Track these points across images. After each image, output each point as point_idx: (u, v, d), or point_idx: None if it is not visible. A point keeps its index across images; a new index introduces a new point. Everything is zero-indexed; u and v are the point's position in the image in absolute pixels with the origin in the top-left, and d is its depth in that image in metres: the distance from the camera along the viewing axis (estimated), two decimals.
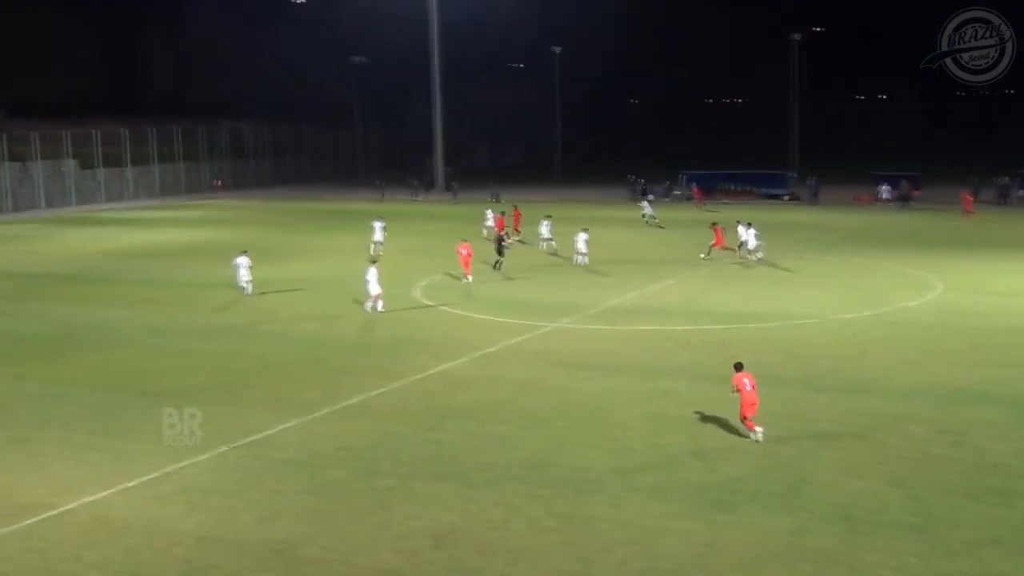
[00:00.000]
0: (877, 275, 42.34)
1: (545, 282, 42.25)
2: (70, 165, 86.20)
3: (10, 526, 17.85)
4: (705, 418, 22.77)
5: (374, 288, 35.65)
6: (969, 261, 45.38)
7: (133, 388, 26.80)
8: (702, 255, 46.66)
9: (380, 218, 52.35)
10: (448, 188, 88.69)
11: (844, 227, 60.01)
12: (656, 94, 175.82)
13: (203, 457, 21.10)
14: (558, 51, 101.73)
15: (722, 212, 61.87)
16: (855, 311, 34.68)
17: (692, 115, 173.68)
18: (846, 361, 28.08)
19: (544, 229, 50.83)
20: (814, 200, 72.71)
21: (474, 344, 30.68)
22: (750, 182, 79.32)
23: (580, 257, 45.33)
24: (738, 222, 48.23)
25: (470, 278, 41.35)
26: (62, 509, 18.55)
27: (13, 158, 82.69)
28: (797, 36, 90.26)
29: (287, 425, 23.19)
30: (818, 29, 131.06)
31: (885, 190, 71.01)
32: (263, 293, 39.93)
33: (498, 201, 69.34)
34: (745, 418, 21.45)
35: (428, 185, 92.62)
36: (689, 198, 74.80)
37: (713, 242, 46.64)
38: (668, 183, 79.98)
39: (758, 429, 21.36)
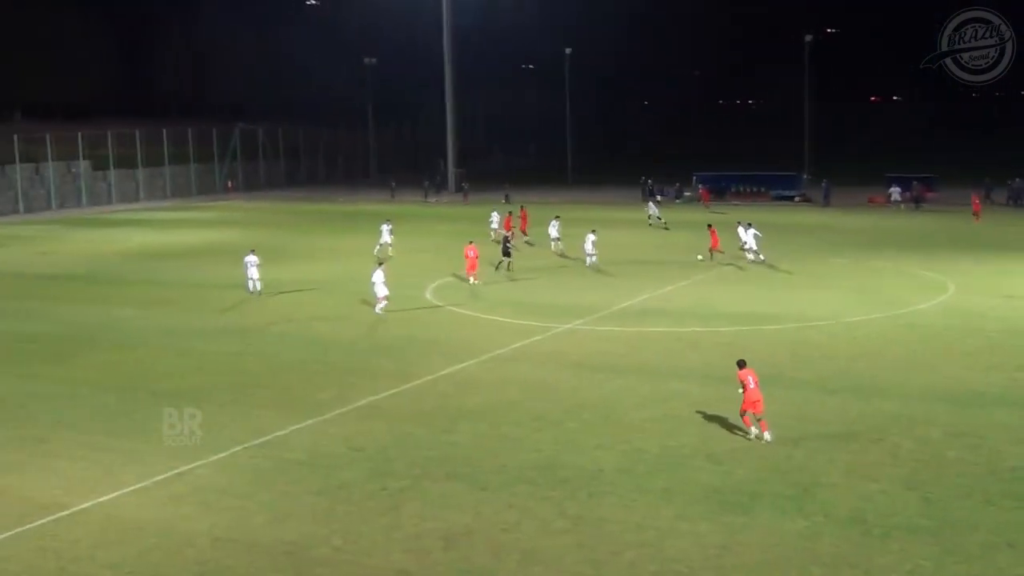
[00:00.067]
0: (889, 277, 42.19)
1: (555, 284, 42.22)
2: (82, 166, 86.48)
3: (24, 526, 17.90)
4: (717, 420, 22.71)
5: (381, 290, 35.68)
6: (982, 263, 45.16)
7: (145, 388, 26.87)
8: (699, 257, 46.56)
9: (388, 221, 52.48)
10: (459, 189, 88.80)
11: (856, 229, 59.83)
12: (668, 95, 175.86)
13: (215, 458, 21.14)
14: (569, 52, 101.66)
15: (730, 214, 61.64)
16: (867, 313, 34.55)
17: (704, 116, 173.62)
18: (859, 363, 27.98)
19: (553, 230, 50.82)
20: (826, 202, 72.51)
21: (485, 346, 30.67)
22: (762, 183, 79.19)
23: (589, 258, 45.30)
24: (738, 223, 48.14)
25: (472, 280, 41.34)
26: (75, 509, 18.60)
27: (26, 159, 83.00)
28: (809, 37, 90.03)
29: (299, 426, 23.21)
30: (831, 30, 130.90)
31: (896, 192, 70.81)
32: (279, 293, 40.09)
33: (508, 202, 69.29)
34: (744, 414, 21.54)
35: (439, 186, 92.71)
36: (700, 200, 74.67)
37: (710, 244, 46.55)
38: (679, 184, 79.87)
39: (754, 430, 21.48)
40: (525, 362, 28.89)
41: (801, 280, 41.92)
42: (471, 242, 42.59)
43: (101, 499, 19.05)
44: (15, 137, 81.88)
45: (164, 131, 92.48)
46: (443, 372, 27.80)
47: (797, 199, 75.87)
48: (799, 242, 53.17)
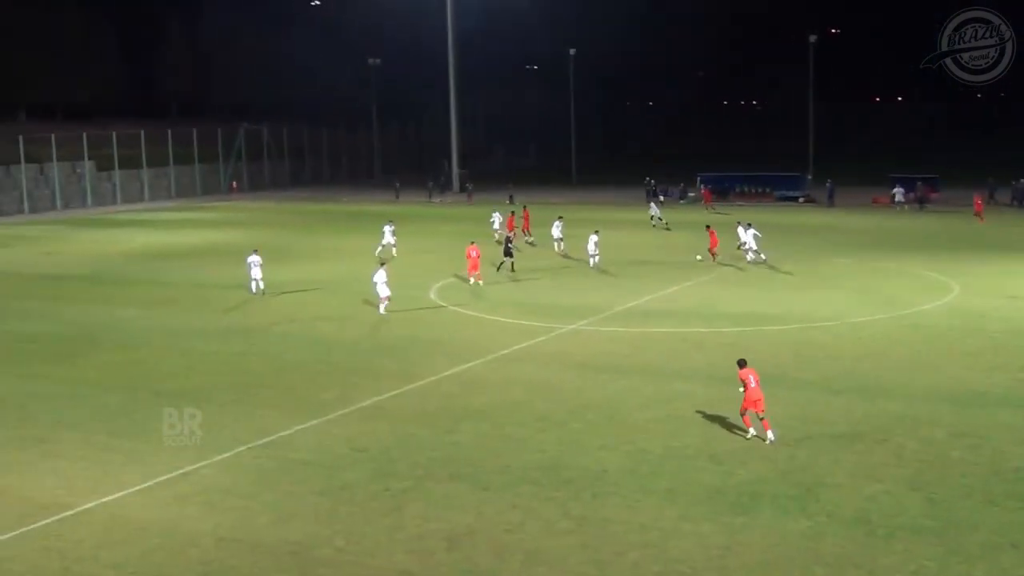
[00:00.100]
0: (894, 278, 42.15)
1: (559, 284, 42.23)
2: (87, 167, 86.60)
3: (28, 526, 17.93)
4: (721, 421, 22.70)
5: (383, 290, 35.72)
6: (986, 264, 45.12)
7: (149, 388, 26.89)
8: (698, 257, 46.58)
9: (390, 222, 52.57)
10: (463, 190, 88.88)
11: (860, 229, 59.78)
12: (670, 96, 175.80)
13: (219, 458, 21.16)
14: (572, 53, 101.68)
15: (731, 215, 61.55)
16: (872, 314, 34.53)
17: (706, 117, 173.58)
18: (863, 364, 27.96)
19: (556, 230, 50.82)
20: (830, 202, 72.45)
21: (489, 346, 30.68)
22: (766, 184, 79.15)
23: (592, 259, 45.34)
24: (738, 223, 48.14)
25: (472, 280, 41.37)
26: (79, 509, 18.62)
27: (31, 160, 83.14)
28: (814, 37, 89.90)
29: (303, 426, 23.23)
30: (835, 30, 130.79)
31: (899, 192, 70.76)
32: (282, 293, 40.16)
33: (512, 202, 69.36)
34: (744, 413, 21.60)
35: (443, 187, 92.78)
36: (702, 200, 74.58)
37: (709, 245, 46.57)
38: (683, 185, 79.84)
39: (752, 430, 21.54)
40: (529, 363, 28.89)
41: (805, 281, 41.89)
42: (473, 242, 42.62)
43: (104, 499, 19.07)
44: (20, 137, 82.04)
45: (168, 132, 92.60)
46: (447, 372, 27.81)
47: (801, 200, 75.84)
48: (803, 243, 53.16)
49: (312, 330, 34.12)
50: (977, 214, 60.99)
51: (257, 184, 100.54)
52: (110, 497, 19.16)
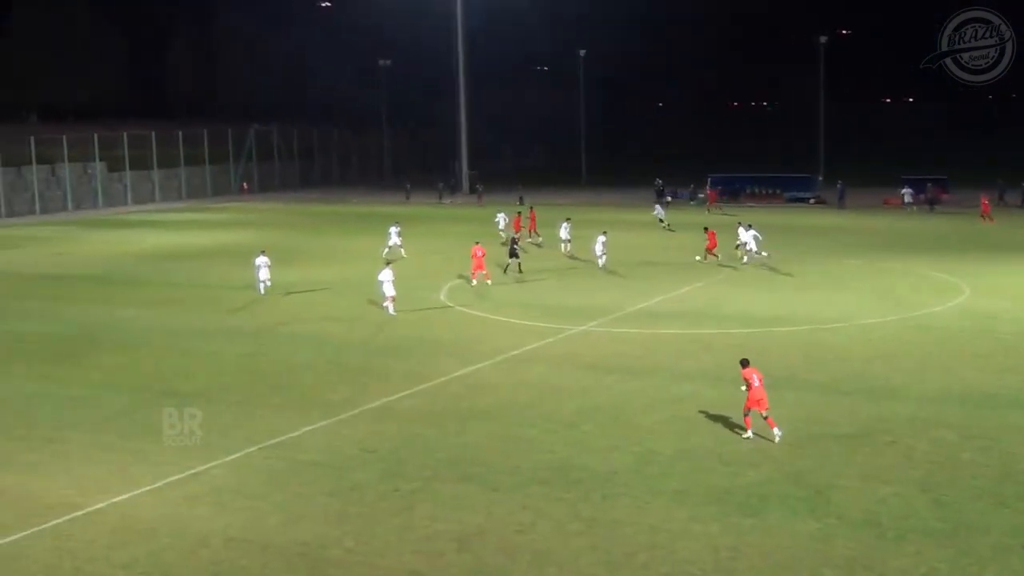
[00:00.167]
0: (903, 279, 42.05)
1: (568, 285, 42.21)
2: (98, 168, 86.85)
3: (38, 526, 17.99)
4: (730, 422, 22.66)
5: (388, 289, 35.78)
6: (996, 265, 45.00)
7: (158, 389, 26.95)
8: (697, 258, 46.59)
9: (396, 223, 52.63)
10: (473, 191, 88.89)
11: (870, 231, 59.66)
12: (675, 96, 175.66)
13: (229, 458, 21.20)
14: (582, 54, 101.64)
15: (734, 216, 61.34)
16: (882, 315, 34.46)
17: (708, 117, 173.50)
18: (873, 365, 27.90)
19: (563, 231, 50.82)
20: (840, 203, 72.28)
21: (498, 347, 30.68)
22: (776, 185, 79.02)
23: (599, 259, 45.38)
24: (738, 223, 48.12)
25: (475, 281, 41.42)
26: (89, 509, 18.68)
27: (42, 161, 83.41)
28: (824, 38, 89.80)
29: (312, 427, 23.27)
30: (844, 31, 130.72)
31: (907, 193, 70.59)
32: (289, 294, 40.20)
33: (522, 203, 69.38)
34: (747, 413, 21.62)
35: (453, 188, 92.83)
36: (726, 201, 74.48)
37: (708, 246, 46.59)
38: (692, 186, 79.72)
39: (750, 432, 21.58)
40: (538, 364, 28.89)
41: (815, 282, 41.82)
42: (478, 242, 42.68)
43: (114, 499, 19.12)
44: (31, 139, 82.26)
45: (179, 133, 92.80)
46: (456, 373, 27.83)
47: (812, 201, 75.71)
48: (813, 244, 53.09)
49: (321, 331, 34.17)
50: (984, 215, 60.81)
51: (267, 185, 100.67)
52: (120, 497, 19.21)
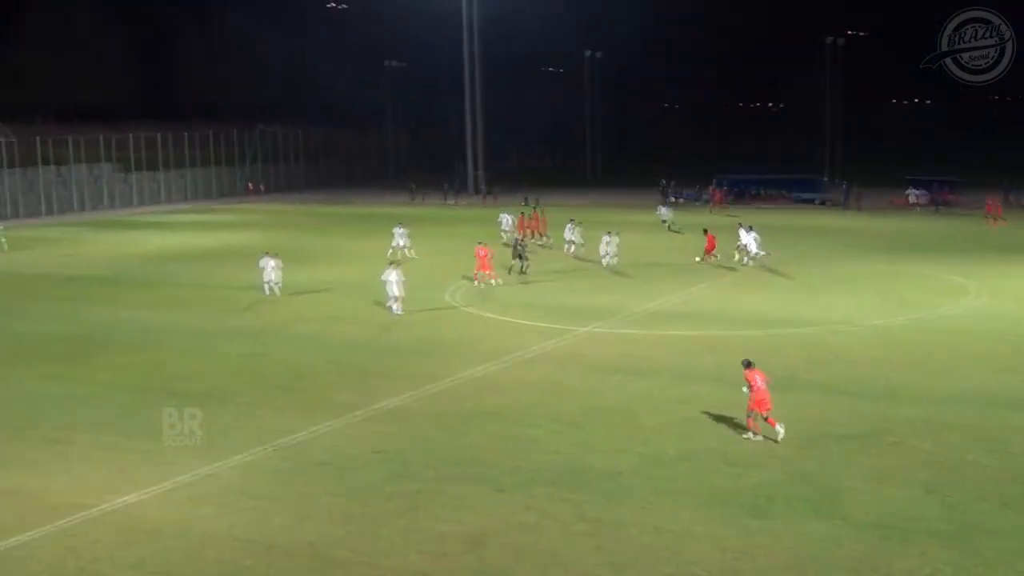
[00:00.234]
0: (911, 280, 41.98)
1: (574, 286, 42.19)
2: (106, 169, 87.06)
3: (44, 527, 18.02)
4: (736, 423, 22.62)
5: (393, 289, 35.83)
6: (1005, 266, 44.89)
7: (165, 389, 26.97)
8: (697, 259, 46.59)
9: (401, 224, 52.65)
10: (479, 191, 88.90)
11: (877, 232, 59.57)
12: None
13: (235, 459, 21.23)
14: (590, 54, 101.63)
15: (737, 217, 61.32)
16: (889, 317, 34.39)
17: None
18: (879, 367, 27.84)
19: (569, 233, 50.84)
20: (847, 204, 72.20)
21: (504, 348, 30.69)
22: (783, 186, 78.97)
23: (605, 259, 45.42)
24: (739, 225, 48.09)
25: (478, 282, 41.45)
26: (95, 510, 18.70)
27: (50, 162, 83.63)
28: (832, 39, 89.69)
29: (318, 428, 23.29)
30: (853, 33, 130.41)
31: (914, 194, 70.43)
32: (295, 294, 40.25)
33: (527, 204, 69.41)
34: (750, 414, 21.59)
35: (459, 188, 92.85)
36: (730, 201, 74.41)
37: (706, 247, 46.58)
38: (699, 187, 79.70)
39: (751, 434, 21.56)
40: (544, 365, 28.89)
41: (821, 283, 41.76)
42: (481, 242, 42.70)
43: (120, 500, 19.14)
44: (39, 140, 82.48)
45: (185, 134, 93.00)
46: (462, 374, 27.83)
47: (819, 202, 75.66)
48: (820, 245, 53.04)
49: (327, 331, 34.21)
50: (989, 215, 60.65)
51: (274, 186, 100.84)
52: (126, 498, 19.24)
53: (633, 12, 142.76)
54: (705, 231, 47.59)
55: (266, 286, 40.27)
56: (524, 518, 17.93)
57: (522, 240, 47.92)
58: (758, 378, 21.50)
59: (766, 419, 21.43)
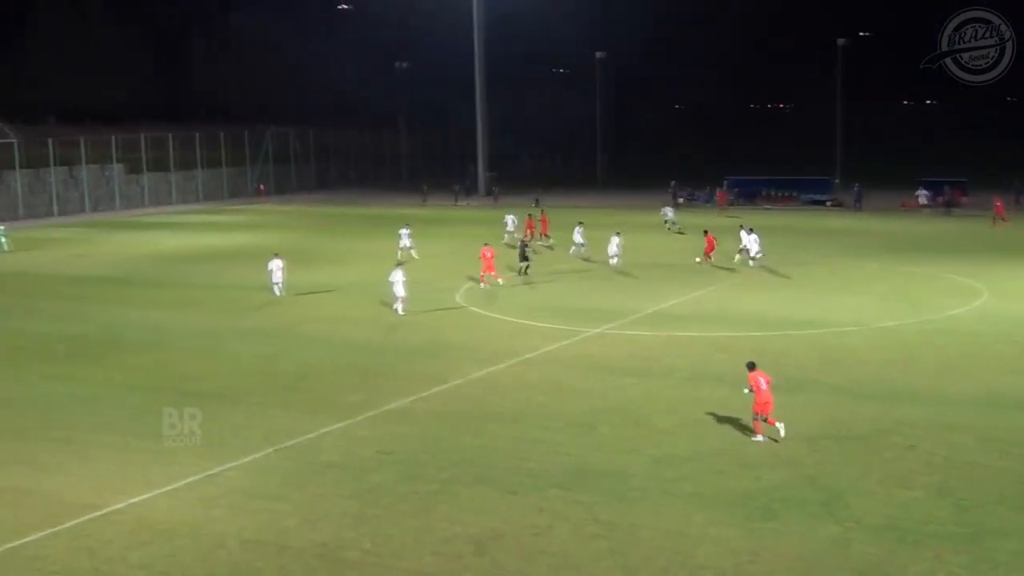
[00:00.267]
0: (921, 282, 41.89)
1: (583, 288, 42.18)
2: (116, 170, 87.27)
3: (57, 526, 18.06)
4: (747, 425, 22.57)
5: (399, 290, 35.87)
6: (1015, 268, 44.76)
7: (176, 390, 27.01)
8: (697, 259, 46.56)
9: (406, 225, 52.74)
10: (489, 193, 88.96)
11: (887, 233, 59.46)
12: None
13: (246, 459, 21.25)
14: (600, 56, 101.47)
15: (740, 218, 61.21)
16: (899, 318, 34.32)
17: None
18: (891, 369, 27.79)
19: (577, 235, 50.85)
20: (857, 206, 72.06)
21: (514, 349, 30.68)
22: (793, 188, 78.89)
23: (612, 259, 45.45)
24: (740, 226, 48.05)
25: (483, 283, 41.43)
26: (107, 510, 18.74)
27: (60, 163, 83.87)
28: (842, 41, 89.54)
29: (329, 428, 23.30)
30: (853, 34, 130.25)
31: (923, 195, 70.25)
32: (302, 294, 40.33)
33: (537, 206, 69.43)
34: (756, 416, 21.60)
35: (469, 190, 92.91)
36: (730, 203, 74.35)
37: (705, 249, 46.53)
38: (708, 188, 79.63)
39: (759, 437, 21.57)
40: (554, 366, 28.88)
41: (832, 284, 41.69)
42: (487, 243, 42.72)
43: (132, 500, 19.18)
44: (50, 141, 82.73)
45: (196, 135, 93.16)
46: (472, 375, 27.83)
47: (829, 203, 75.56)
48: (830, 246, 52.95)
49: (337, 332, 34.24)
50: (996, 217, 60.45)
51: (284, 187, 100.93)
52: (138, 498, 19.28)
53: (635, 14, 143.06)
54: (705, 232, 47.59)
55: (275, 287, 40.38)
56: (536, 520, 17.92)
57: (526, 241, 47.93)
58: (762, 380, 21.48)
59: (766, 419, 21.42)
